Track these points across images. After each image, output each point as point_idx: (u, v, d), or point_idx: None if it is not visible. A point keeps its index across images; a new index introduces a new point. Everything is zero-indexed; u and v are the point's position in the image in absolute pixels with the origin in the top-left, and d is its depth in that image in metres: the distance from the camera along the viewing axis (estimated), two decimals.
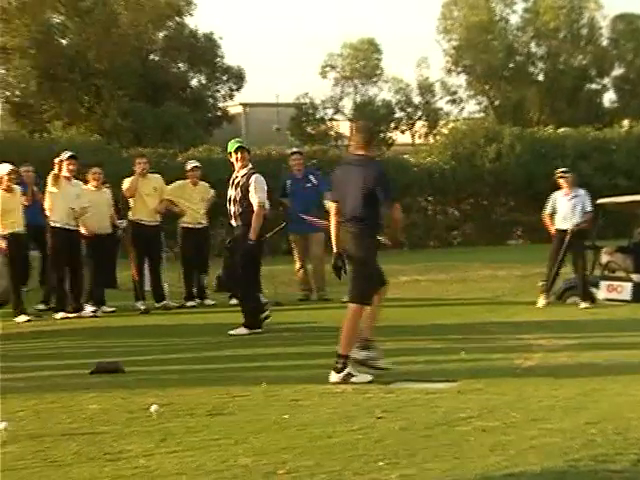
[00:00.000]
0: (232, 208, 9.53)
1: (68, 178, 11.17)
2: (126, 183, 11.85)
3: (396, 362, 7.69)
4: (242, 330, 9.43)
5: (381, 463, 4.60)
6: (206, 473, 4.52)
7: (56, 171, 10.98)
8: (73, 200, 11.12)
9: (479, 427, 5.31)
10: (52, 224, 11.14)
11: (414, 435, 5.17)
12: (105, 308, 11.55)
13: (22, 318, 10.88)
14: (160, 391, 6.48)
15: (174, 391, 6.52)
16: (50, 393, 6.49)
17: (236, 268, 9.70)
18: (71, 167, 11.16)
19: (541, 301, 11.64)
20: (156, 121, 31.59)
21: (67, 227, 11.11)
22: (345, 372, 6.81)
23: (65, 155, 11.26)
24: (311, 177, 12.82)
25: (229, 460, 4.73)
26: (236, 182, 9.50)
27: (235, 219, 9.52)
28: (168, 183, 12.29)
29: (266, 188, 9.58)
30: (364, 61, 40.49)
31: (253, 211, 9.35)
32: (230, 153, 9.59)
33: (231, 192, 9.55)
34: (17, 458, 4.83)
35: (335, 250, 7.11)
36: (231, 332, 9.40)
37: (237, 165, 9.55)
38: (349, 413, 5.76)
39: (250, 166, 9.61)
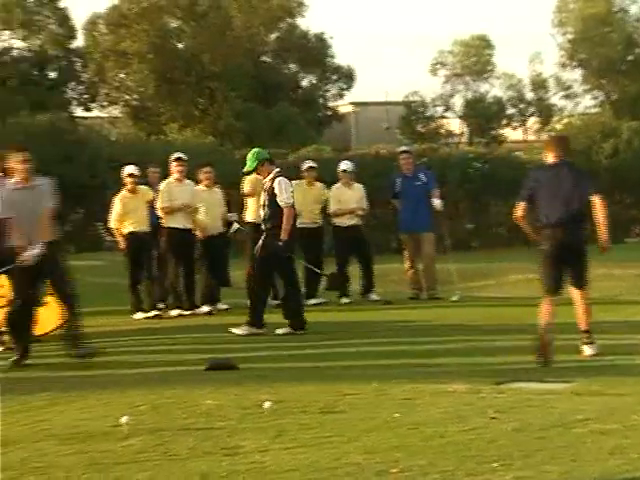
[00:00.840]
0: (261, 212, 9.88)
1: (179, 179, 11.45)
2: (247, 184, 11.99)
3: (508, 361, 7.59)
4: (246, 329, 9.63)
5: (495, 464, 4.54)
6: (319, 470, 4.56)
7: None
8: (187, 200, 11.39)
9: (597, 429, 5.18)
10: (167, 225, 11.44)
11: (529, 436, 5.08)
12: (220, 305, 11.76)
13: (139, 315, 11.21)
14: (273, 388, 6.56)
15: (286, 388, 6.58)
16: (167, 388, 6.65)
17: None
18: (179, 169, 11.43)
19: None
20: (268, 122, 32.02)
21: (181, 227, 11.38)
22: (595, 344, 7.81)
23: (173, 157, 11.58)
24: (421, 175, 12.78)
25: (342, 458, 4.76)
26: (264, 188, 9.85)
27: (264, 222, 9.82)
28: None
29: (291, 189, 9.86)
30: (475, 57, 39.97)
31: (281, 214, 9.61)
32: (251, 172, 9.99)
33: (262, 197, 9.92)
34: (138, 451, 4.98)
35: (536, 239, 8.00)
36: (234, 330, 9.62)
37: (261, 177, 9.98)
38: (461, 413, 5.71)
39: (276, 170, 9.88)
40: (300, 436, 5.22)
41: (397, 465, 4.58)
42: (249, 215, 11.88)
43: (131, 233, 11.26)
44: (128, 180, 11.27)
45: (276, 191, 9.62)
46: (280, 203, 9.61)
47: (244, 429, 5.42)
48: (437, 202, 12.45)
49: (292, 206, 9.75)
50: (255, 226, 11.85)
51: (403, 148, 14.41)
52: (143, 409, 6.00)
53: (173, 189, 11.43)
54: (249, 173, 10.18)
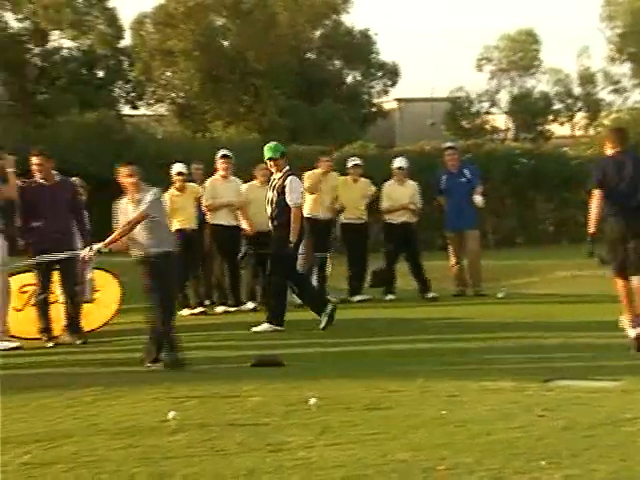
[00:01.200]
0: (269, 210, 9.85)
1: (224, 176, 11.53)
2: (308, 180, 11.76)
3: (555, 359, 7.53)
4: (265, 326, 9.67)
5: (543, 462, 4.52)
6: (365, 466, 4.57)
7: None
8: (232, 197, 11.45)
9: None
10: (212, 222, 11.52)
11: (577, 435, 5.04)
12: None
13: (185, 312, 11.30)
14: (318, 384, 6.58)
15: (331, 384, 6.60)
16: (213, 384, 6.71)
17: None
18: (224, 166, 11.52)
19: None
20: (312, 119, 32.06)
21: (226, 224, 11.44)
22: None
23: (218, 154, 11.67)
24: (465, 172, 12.67)
25: (387, 455, 4.76)
26: (273, 184, 9.81)
27: (271, 220, 9.83)
28: None
29: (301, 189, 9.92)
30: (521, 52, 39.58)
31: (289, 213, 9.63)
32: (272, 158, 9.82)
33: (269, 194, 9.87)
34: (185, 446, 5.04)
35: (591, 231, 8.26)
36: (255, 329, 9.66)
37: (274, 169, 9.86)
38: (508, 410, 5.68)
39: (287, 168, 9.87)
40: (345, 433, 5.23)
41: (443, 463, 4.57)
42: (307, 210, 11.63)
43: (178, 230, 11.34)
44: (177, 178, 11.34)
45: (287, 189, 9.65)
46: (289, 203, 9.65)
47: (289, 425, 5.45)
48: (478, 199, 12.36)
49: (300, 207, 9.84)
50: (312, 221, 11.80)
51: (448, 144, 14.32)
52: (190, 404, 6.07)
53: (217, 186, 11.51)
54: (273, 159, 10.03)
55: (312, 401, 5.80)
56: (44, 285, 9.26)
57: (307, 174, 11.82)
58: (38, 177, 9.31)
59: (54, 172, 9.49)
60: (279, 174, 9.81)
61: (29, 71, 34.49)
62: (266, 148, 9.97)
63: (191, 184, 11.54)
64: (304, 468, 4.59)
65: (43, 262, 9.07)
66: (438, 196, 12.96)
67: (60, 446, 5.09)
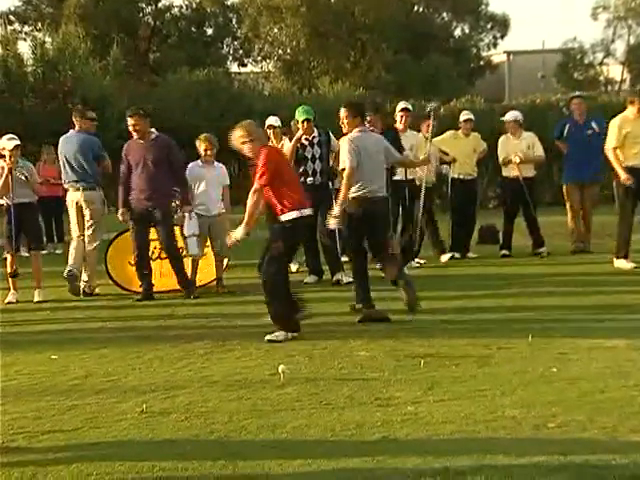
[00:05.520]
0: (312, 165, 9.90)
1: (402, 130, 11.17)
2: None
3: None
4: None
5: None
6: (474, 422, 4.56)
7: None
8: (407, 151, 11.08)
9: None
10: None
11: None
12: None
13: (293, 267, 11.33)
14: (425, 341, 6.58)
15: (439, 341, 6.59)
16: (322, 339, 6.79)
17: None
18: (405, 119, 11.16)
19: None
20: (419, 73, 31.68)
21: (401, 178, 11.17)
22: None
23: (399, 106, 11.35)
24: (593, 124, 12.11)
25: (497, 411, 4.74)
26: (315, 141, 9.92)
27: (314, 175, 9.89)
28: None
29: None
30: None
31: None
32: (306, 120, 9.78)
33: (313, 150, 9.91)
34: (295, 399, 5.13)
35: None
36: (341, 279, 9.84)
37: (302, 130, 9.85)
38: (622, 369, 5.56)
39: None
40: (454, 388, 5.22)
41: (554, 420, 4.52)
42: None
43: None
44: (268, 131, 11.15)
45: (334, 146, 9.85)
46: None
47: (397, 380, 5.48)
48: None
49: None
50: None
51: (576, 93, 13.71)
52: (299, 359, 6.16)
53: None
54: (305, 121, 9.96)
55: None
56: (139, 243, 9.40)
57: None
58: (135, 136, 9.46)
59: (152, 130, 9.57)
60: (315, 132, 9.97)
61: (142, 30, 35.21)
62: (303, 110, 9.98)
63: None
64: (412, 423, 4.61)
65: (138, 220, 9.27)
66: (557, 140, 12.36)
67: (175, 397, 5.26)
